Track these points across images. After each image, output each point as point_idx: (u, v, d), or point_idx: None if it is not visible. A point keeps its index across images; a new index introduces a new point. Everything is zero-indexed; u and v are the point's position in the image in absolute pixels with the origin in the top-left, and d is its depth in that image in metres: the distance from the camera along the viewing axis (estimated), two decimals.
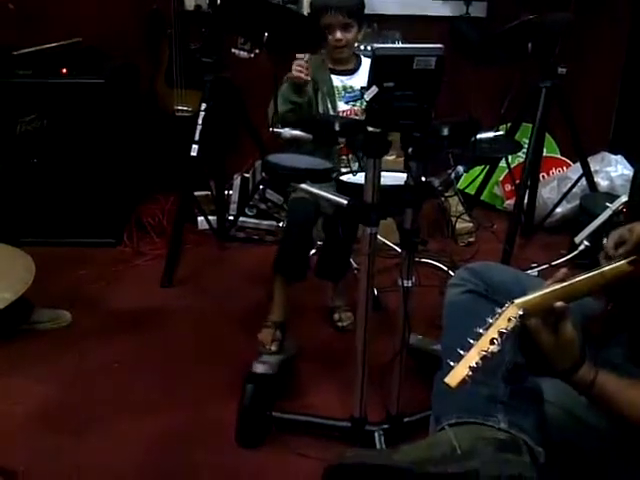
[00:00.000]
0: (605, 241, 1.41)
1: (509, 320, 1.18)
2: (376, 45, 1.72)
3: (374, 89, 1.66)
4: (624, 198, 2.95)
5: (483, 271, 1.58)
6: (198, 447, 2.07)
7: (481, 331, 1.19)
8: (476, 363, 1.14)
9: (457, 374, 1.14)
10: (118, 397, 2.28)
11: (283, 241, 2.43)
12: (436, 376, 1.49)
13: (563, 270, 1.31)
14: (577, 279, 1.28)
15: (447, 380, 1.14)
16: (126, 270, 3.14)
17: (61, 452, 2.03)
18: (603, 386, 1.26)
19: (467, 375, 1.13)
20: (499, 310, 1.22)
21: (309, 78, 2.33)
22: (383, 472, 1.26)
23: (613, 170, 3.58)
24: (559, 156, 3.95)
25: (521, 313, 1.19)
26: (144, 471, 1.98)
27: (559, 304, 1.22)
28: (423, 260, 3.08)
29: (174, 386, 2.34)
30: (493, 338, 1.16)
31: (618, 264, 1.34)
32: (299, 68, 2.30)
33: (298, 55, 2.40)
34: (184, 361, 2.49)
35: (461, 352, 1.17)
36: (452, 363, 1.16)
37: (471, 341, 1.18)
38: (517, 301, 1.22)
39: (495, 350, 1.15)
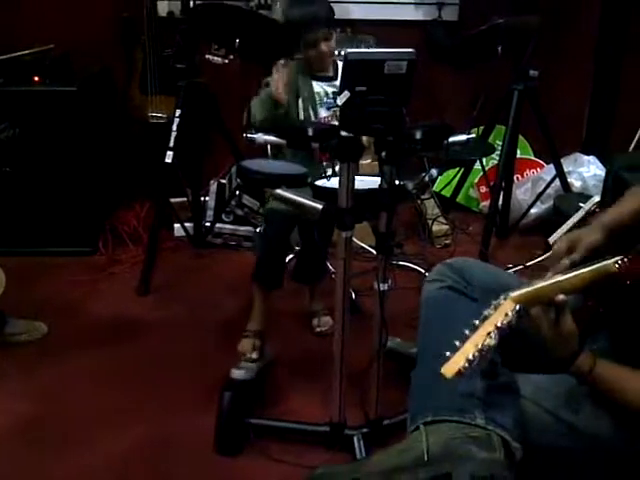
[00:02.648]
0: (555, 245, 1.43)
1: (506, 315, 1.19)
2: (348, 50, 1.72)
3: (346, 94, 1.66)
4: (597, 198, 2.99)
5: (462, 267, 1.58)
6: (177, 456, 2.05)
7: (476, 322, 1.19)
8: (473, 356, 1.14)
9: (454, 365, 1.14)
10: (95, 409, 2.26)
11: (261, 252, 2.44)
12: (413, 374, 1.49)
13: (564, 262, 1.33)
14: (573, 274, 1.30)
15: (443, 371, 1.14)
16: (102, 279, 3.11)
17: (39, 466, 2.00)
18: (602, 372, 1.29)
19: (463, 367, 1.13)
20: (494, 302, 1.22)
21: (286, 98, 2.33)
22: None
23: (586, 171, 3.62)
24: (533, 158, 3.99)
25: (518, 308, 1.20)
26: None
27: (560, 297, 1.24)
28: (400, 263, 3.09)
29: (152, 395, 2.32)
30: (490, 332, 1.16)
31: (603, 264, 1.36)
32: (279, 90, 2.31)
33: (280, 62, 2.38)
34: (162, 370, 2.47)
35: (457, 343, 1.16)
36: (448, 354, 1.15)
37: (467, 332, 1.18)
38: (513, 295, 1.22)
39: (492, 344, 1.15)
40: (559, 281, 1.29)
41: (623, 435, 1.29)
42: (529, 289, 1.25)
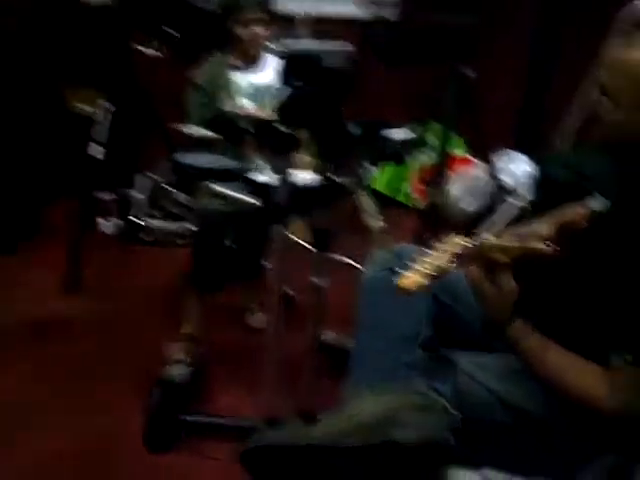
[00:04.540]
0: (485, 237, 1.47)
1: (465, 245, 1.24)
2: (287, 44, 1.71)
3: (284, 88, 1.65)
4: (527, 194, 3.05)
5: (401, 251, 1.61)
6: (107, 455, 2.02)
7: (436, 245, 1.24)
8: (433, 273, 1.18)
9: (412, 278, 1.17)
10: (24, 407, 2.19)
11: (195, 253, 2.39)
12: (355, 344, 1.50)
13: (524, 230, 1.37)
14: (516, 244, 1.35)
15: (402, 282, 1.17)
16: (26, 277, 3.01)
17: None
18: (534, 342, 1.33)
19: (421, 283, 1.16)
20: (455, 237, 1.28)
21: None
22: (301, 451, 1.27)
23: (517, 168, 3.71)
24: (466, 155, 4.05)
25: (476, 242, 1.25)
26: None
27: (504, 258, 1.29)
28: (336, 259, 3.09)
29: (83, 394, 2.27)
30: (450, 256, 1.21)
31: (542, 244, 1.41)
32: None
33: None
34: (92, 368, 2.41)
35: (414, 264, 1.20)
36: (401, 271, 1.18)
37: (424, 257, 1.22)
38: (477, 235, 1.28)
39: (451, 268, 1.21)
40: (506, 245, 1.34)
41: (552, 410, 1.33)
42: (493, 238, 1.31)
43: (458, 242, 1.24)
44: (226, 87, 2.43)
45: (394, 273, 1.20)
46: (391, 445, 1.24)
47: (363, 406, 1.32)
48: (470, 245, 1.23)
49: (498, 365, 1.42)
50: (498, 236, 1.39)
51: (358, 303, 1.61)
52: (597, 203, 1.44)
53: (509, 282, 1.31)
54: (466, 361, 1.43)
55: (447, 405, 1.33)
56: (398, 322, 1.32)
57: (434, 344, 1.43)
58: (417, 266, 1.19)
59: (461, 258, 1.22)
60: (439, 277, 1.19)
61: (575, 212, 1.51)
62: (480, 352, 1.46)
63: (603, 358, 1.27)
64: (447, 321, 1.48)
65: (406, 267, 1.19)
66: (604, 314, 1.29)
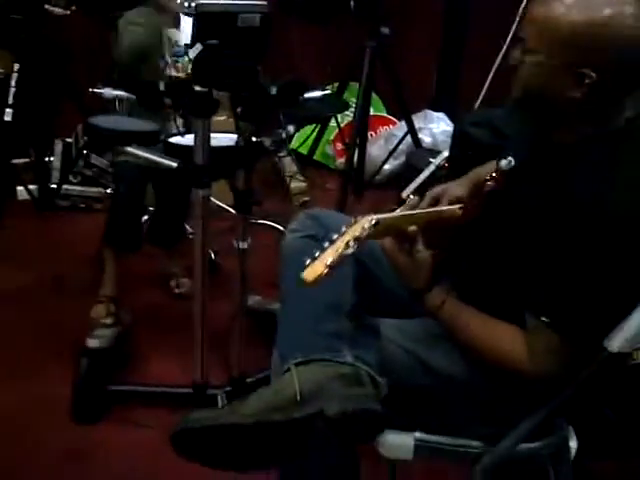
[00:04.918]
0: (411, 199, 1.48)
1: (363, 228, 1.23)
2: (199, 1, 1.66)
3: (198, 46, 1.61)
4: (446, 153, 3.10)
5: (322, 216, 1.60)
6: (33, 426, 1.98)
7: (334, 236, 1.23)
8: (332, 261, 1.17)
9: (314, 270, 1.17)
10: None
11: (112, 211, 2.34)
12: (279, 316, 1.50)
13: (416, 198, 1.38)
14: (422, 211, 1.39)
15: (304, 275, 1.17)
16: None
17: None
18: (452, 310, 1.35)
19: (324, 272, 1.16)
20: (353, 220, 1.26)
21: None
22: (228, 430, 1.26)
23: (435, 127, 3.76)
24: (385, 115, 4.08)
25: (374, 222, 1.24)
26: None
27: (412, 228, 1.31)
28: (258, 221, 3.08)
29: (3, 364, 2.20)
30: (348, 241, 1.20)
31: (454, 207, 1.45)
32: None
33: None
34: (13, 339, 2.35)
35: (316, 253, 1.20)
36: (307, 261, 1.18)
37: (326, 245, 1.22)
38: (373, 215, 1.27)
39: (350, 253, 1.19)
40: (413, 214, 1.36)
41: (474, 372, 1.36)
42: (389, 214, 1.31)
43: (362, 224, 1.24)
44: (162, 44, 2.34)
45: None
46: (318, 418, 1.23)
47: (288, 380, 1.30)
48: (370, 228, 1.24)
49: (420, 329, 1.43)
50: (407, 206, 1.40)
51: (279, 271, 1.61)
52: (506, 162, 1.45)
53: (421, 251, 1.33)
54: (388, 327, 1.44)
55: (373, 373, 1.32)
56: (321, 290, 1.28)
57: (359, 311, 1.42)
58: (320, 256, 1.19)
59: (361, 241, 1.22)
60: (340, 263, 1.20)
61: (486, 172, 1.53)
62: (403, 318, 1.47)
63: (522, 319, 1.30)
64: (370, 287, 1.48)
65: (312, 257, 1.19)
66: (519, 275, 1.31)
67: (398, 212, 1.37)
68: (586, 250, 1.20)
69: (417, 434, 1.36)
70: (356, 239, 1.21)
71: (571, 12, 1.22)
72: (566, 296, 1.24)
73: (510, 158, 1.44)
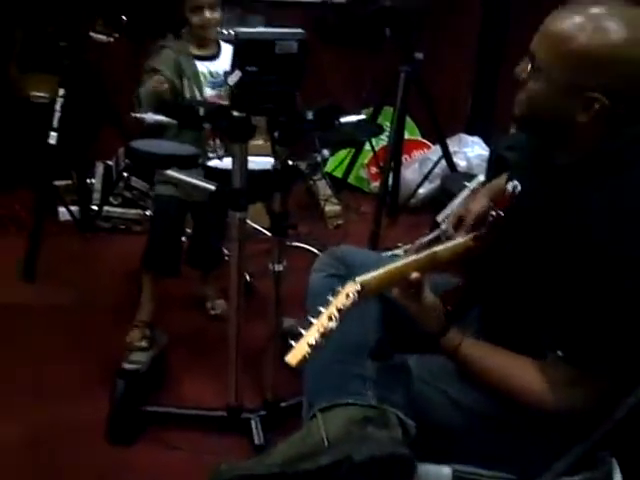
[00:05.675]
0: (444, 223, 1.47)
1: (347, 296, 1.22)
2: (238, 29, 1.70)
3: (237, 73, 1.64)
4: (481, 177, 3.08)
5: (344, 254, 1.61)
6: (68, 446, 1.99)
7: (321, 309, 1.21)
8: (315, 340, 1.16)
9: (297, 352, 1.16)
10: None
11: (151, 236, 2.39)
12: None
13: (417, 242, 1.37)
14: (417, 256, 1.35)
15: (287, 359, 1.16)
16: None
17: None
18: (469, 350, 1.33)
19: (307, 353, 1.15)
20: (339, 289, 1.25)
21: (166, 86, 2.28)
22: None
23: (470, 151, 3.75)
24: (420, 138, 4.09)
25: (358, 289, 1.23)
26: (11, 474, 1.88)
27: (413, 275, 1.29)
28: (293, 244, 3.10)
29: (41, 384, 2.23)
30: (331, 315, 1.19)
31: (455, 242, 1.43)
32: (156, 84, 2.27)
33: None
34: (49, 359, 2.37)
35: (302, 331, 1.19)
36: (293, 342, 1.17)
37: (311, 319, 1.20)
38: (357, 279, 1.25)
39: (333, 327, 1.18)
40: (412, 261, 1.34)
41: (505, 408, 1.33)
42: (376, 272, 1.29)
43: (347, 292, 1.23)
44: (189, 74, 2.40)
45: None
46: (346, 464, 1.20)
47: (314, 426, 1.29)
48: (355, 295, 1.23)
49: (449, 364, 1.39)
50: (411, 250, 1.39)
51: (306, 307, 1.60)
52: (512, 186, 1.42)
53: (427, 297, 1.32)
54: (418, 365, 1.42)
55: (401, 415, 1.31)
56: (346, 330, 1.27)
57: (386, 348, 1.40)
58: (304, 336, 1.18)
59: (344, 313, 1.20)
60: (326, 338, 1.18)
61: (494, 197, 1.51)
62: (431, 353, 1.43)
63: (541, 352, 1.27)
64: (397, 322, 1.44)
65: (299, 336, 1.18)
66: (535, 307, 1.29)
67: (389, 266, 1.32)
68: (600, 285, 1.17)
69: (455, 465, 1.34)
70: (340, 310, 1.20)
71: (586, 31, 1.17)
72: (581, 330, 1.21)
73: (516, 182, 1.41)
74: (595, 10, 1.19)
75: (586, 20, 1.18)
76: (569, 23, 1.20)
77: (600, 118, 1.19)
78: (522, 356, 1.31)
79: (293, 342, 1.18)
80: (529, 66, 1.25)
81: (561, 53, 1.20)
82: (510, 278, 1.36)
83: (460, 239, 1.44)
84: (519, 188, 1.40)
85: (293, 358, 1.16)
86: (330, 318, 1.18)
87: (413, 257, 1.35)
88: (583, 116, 1.20)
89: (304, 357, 1.15)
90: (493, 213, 1.43)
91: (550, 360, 1.25)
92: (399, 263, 1.33)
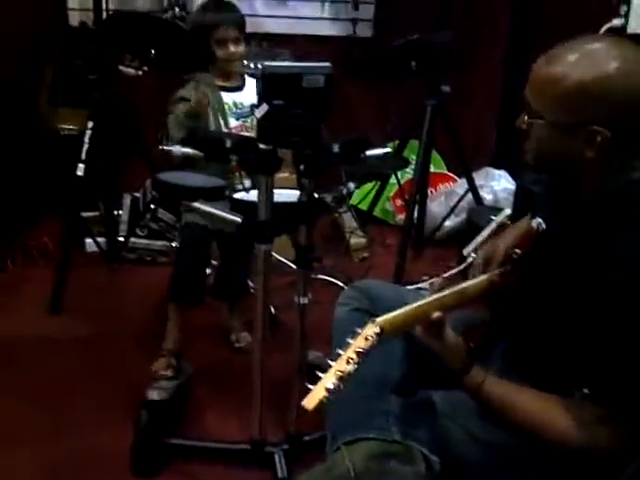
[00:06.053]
0: (473, 257, 1.47)
1: (366, 339, 1.20)
2: (265, 63, 1.71)
3: (264, 107, 1.65)
4: (508, 211, 3.07)
5: (368, 288, 1.60)
6: (90, 477, 1.98)
7: (340, 352, 1.20)
8: (333, 384, 1.15)
9: (314, 396, 1.15)
10: (5, 428, 2.15)
11: (177, 265, 2.40)
12: None
13: (438, 280, 1.36)
14: (440, 295, 1.34)
15: (304, 403, 1.15)
16: (11, 297, 2.98)
17: None
18: (492, 389, 1.31)
19: (324, 397, 1.14)
20: (359, 330, 1.23)
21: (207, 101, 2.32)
22: None
23: (497, 184, 3.74)
24: (446, 172, 4.08)
25: (377, 331, 1.21)
26: None
27: (435, 315, 1.28)
28: (319, 276, 3.10)
29: (64, 416, 2.23)
30: (349, 358, 1.17)
31: (481, 279, 1.42)
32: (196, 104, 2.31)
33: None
34: (74, 389, 2.38)
35: (320, 374, 1.18)
36: (310, 386, 1.16)
37: (330, 362, 1.19)
38: (377, 320, 1.24)
39: (352, 370, 1.17)
40: (433, 300, 1.33)
41: (530, 444, 1.31)
42: (396, 312, 1.28)
43: (366, 334, 1.22)
44: (215, 105, 2.44)
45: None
46: None
47: (339, 458, 1.28)
48: (374, 338, 1.21)
49: (470, 402, 1.37)
50: (436, 288, 1.37)
51: (332, 343, 1.59)
52: (537, 223, 1.42)
53: (449, 335, 1.31)
54: (442, 401, 1.41)
55: (425, 451, 1.30)
56: (371, 365, 1.26)
57: (410, 384, 1.39)
58: (321, 380, 1.17)
59: (363, 356, 1.18)
60: (345, 382, 1.17)
61: (520, 234, 1.50)
62: (455, 389, 1.41)
63: (566, 389, 1.26)
64: (422, 357, 1.43)
65: (315, 380, 1.17)
66: (561, 344, 1.28)
67: (410, 306, 1.31)
68: (628, 324, 1.15)
69: None
70: (358, 353, 1.18)
71: (575, 70, 1.19)
72: (608, 369, 1.19)
73: (539, 220, 1.41)
74: (580, 47, 1.22)
75: (573, 57, 1.21)
76: (556, 64, 1.22)
77: (606, 151, 1.20)
78: (546, 393, 1.29)
79: (310, 386, 1.16)
80: (526, 116, 1.27)
81: (554, 95, 1.21)
82: (536, 315, 1.35)
83: (485, 276, 1.42)
84: (543, 226, 1.40)
85: (310, 403, 1.14)
86: (348, 361, 1.17)
87: (435, 295, 1.34)
88: (589, 151, 1.20)
89: (321, 402, 1.14)
90: (517, 251, 1.42)
91: (576, 398, 1.23)
92: (421, 302, 1.32)
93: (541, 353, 1.35)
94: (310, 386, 1.16)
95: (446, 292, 1.35)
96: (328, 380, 1.15)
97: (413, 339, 1.41)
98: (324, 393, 1.14)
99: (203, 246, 2.38)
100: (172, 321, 2.42)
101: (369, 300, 1.55)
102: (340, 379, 1.15)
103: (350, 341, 1.21)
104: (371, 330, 1.22)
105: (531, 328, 1.37)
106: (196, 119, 2.34)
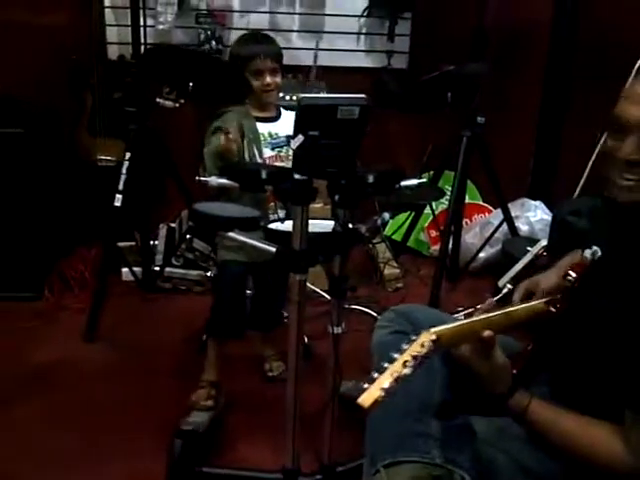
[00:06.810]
0: (508, 288, 1.46)
1: (422, 345, 1.21)
2: (301, 94, 1.73)
3: (300, 137, 1.67)
4: (544, 242, 3.03)
5: (408, 312, 1.60)
6: None
7: (395, 356, 1.20)
8: (389, 384, 1.15)
9: (370, 395, 1.14)
10: (41, 456, 2.18)
11: (216, 304, 2.44)
12: (369, 416, 1.47)
13: (489, 300, 1.36)
14: (494, 313, 1.35)
15: (360, 401, 1.14)
16: (47, 325, 3.02)
17: None
18: (538, 412, 1.30)
19: (380, 397, 1.14)
20: (414, 337, 1.24)
21: (235, 147, 2.35)
22: None
23: (533, 215, 3.70)
24: (481, 202, 4.06)
25: (434, 338, 1.22)
26: None
27: (487, 333, 1.27)
28: (352, 307, 3.09)
29: (98, 445, 2.25)
30: (406, 361, 1.18)
31: (533, 303, 1.41)
32: (225, 142, 2.32)
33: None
34: (110, 417, 2.40)
35: (375, 375, 1.17)
36: (365, 385, 1.16)
37: (385, 365, 1.19)
38: (432, 329, 1.24)
39: (408, 373, 1.17)
40: (485, 318, 1.33)
41: (575, 473, 1.30)
42: (451, 325, 1.28)
43: (421, 341, 1.22)
44: (250, 135, 2.47)
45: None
46: None
47: None
48: (430, 346, 1.22)
49: (515, 427, 1.37)
50: (481, 309, 1.38)
51: (374, 364, 1.59)
52: (591, 252, 1.41)
53: (498, 356, 1.30)
54: (484, 427, 1.40)
55: (466, 476, 1.29)
56: (411, 389, 1.28)
57: (451, 410, 1.38)
58: (377, 378, 1.17)
59: (418, 361, 1.19)
60: (399, 384, 1.17)
61: (571, 263, 1.49)
62: (494, 416, 1.41)
63: (619, 414, 1.24)
64: (461, 383, 1.44)
65: (370, 380, 1.17)
66: (613, 369, 1.26)
67: (463, 321, 1.32)
68: None
69: None
70: (414, 357, 1.19)
71: None
72: None
73: (595, 248, 1.40)
74: None
75: None
76: None
77: None
78: (594, 418, 1.28)
79: (365, 385, 1.16)
80: (621, 136, 1.25)
81: None
82: (583, 347, 1.33)
83: (534, 302, 1.42)
84: (599, 254, 1.39)
85: (365, 401, 1.14)
86: (404, 364, 1.17)
87: (486, 315, 1.33)
88: None
89: (376, 400, 1.13)
90: (570, 278, 1.41)
91: (630, 420, 1.22)
92: (473, 318, 1.32)
93: (587, 383, 1.33)
94: (365, 385, 1.16)
95: (497, 312, 1.35)
96: (385, 380, 1.16)
97: (453, 364, 1.41)
98: (380, 393, 1.14)
99: (240, 282, 2.42)
100: (211, 355, 2.45)
101: (410, 323, 1.55)
102: (396, 380, 1.16)
103: (405, 347, 1.22)
104: (427, 337, 1.22)
105: (578, 359, 1.36)
106: (227, 159, 2.36)
